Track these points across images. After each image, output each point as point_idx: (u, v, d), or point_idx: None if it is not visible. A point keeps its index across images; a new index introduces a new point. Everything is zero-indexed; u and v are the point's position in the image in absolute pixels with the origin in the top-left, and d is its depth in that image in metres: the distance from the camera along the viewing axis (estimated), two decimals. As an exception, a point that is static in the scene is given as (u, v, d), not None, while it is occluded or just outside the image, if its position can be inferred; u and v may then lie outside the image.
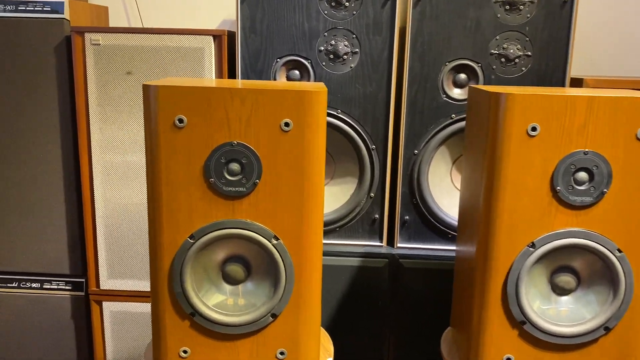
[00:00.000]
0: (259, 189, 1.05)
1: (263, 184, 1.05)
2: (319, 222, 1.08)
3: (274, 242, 1.06)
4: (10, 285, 1.70)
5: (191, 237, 1.05)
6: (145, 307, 1.71)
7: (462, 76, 1.56)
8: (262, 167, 1.05)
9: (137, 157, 1.60)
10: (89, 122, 1.59)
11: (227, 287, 1.10)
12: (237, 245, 1.09)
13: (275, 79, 1.56)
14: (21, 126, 1.61)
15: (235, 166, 1.06)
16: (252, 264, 1.10)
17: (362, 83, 1.56)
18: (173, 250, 1.06)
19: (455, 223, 1.62)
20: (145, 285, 1.69)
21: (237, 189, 1.06)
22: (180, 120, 1.03)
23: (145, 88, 1.04)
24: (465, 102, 1.56)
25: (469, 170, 1.22)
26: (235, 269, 1.09)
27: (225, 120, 1.03)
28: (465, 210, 1.25)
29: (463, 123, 1.57)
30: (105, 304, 1.71)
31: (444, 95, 1.57)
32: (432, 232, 1.65)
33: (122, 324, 1.72)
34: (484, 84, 1.55)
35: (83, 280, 1.70)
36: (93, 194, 1.64)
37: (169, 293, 1.07)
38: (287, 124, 1.04)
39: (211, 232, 1.06)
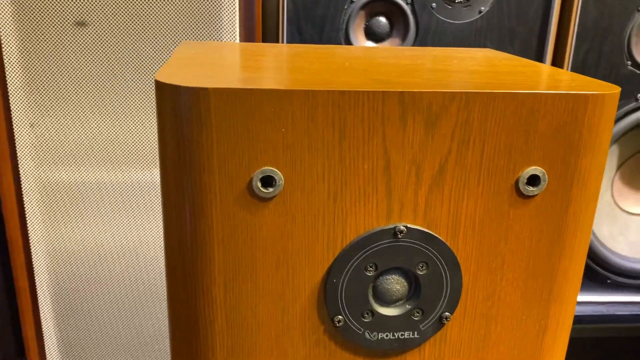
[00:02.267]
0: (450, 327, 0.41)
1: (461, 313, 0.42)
2: None
3: None
4: None
5: None
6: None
7: (661, 29, 0.92)
8: (460, 287, 0.41)
9: (104, 173, 0.91)
10: (8, 115, 0.87)
11: None
12: None
13: (347, 35, 0.88)
14: None
15: (396, 285, 0.42)
16: None
17: (497, 40, 0.90)
18: None
19: (627, 264, 1.03)
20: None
21: (400, 334, 0.42)
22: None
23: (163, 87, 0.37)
24: (663, 74, 0.94)
25: None
26: None
27: (384, 175, 0.38)
28: None
29: (656, 109, 0.95)
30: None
31: (630, 63, 0.94)
32: (584, 276, 1.05)
33: None
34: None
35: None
36: (26, 235, 0.95)
37: None
38: (533, 180, 0.40)
39: None
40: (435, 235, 0.40)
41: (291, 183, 0.37)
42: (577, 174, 0.40)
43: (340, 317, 0.41)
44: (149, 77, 0.86)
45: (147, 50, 0.85)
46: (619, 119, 0.95)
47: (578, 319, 1.03)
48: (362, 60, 0.49)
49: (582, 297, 1.06)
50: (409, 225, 0.39)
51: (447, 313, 0.42)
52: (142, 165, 0.90)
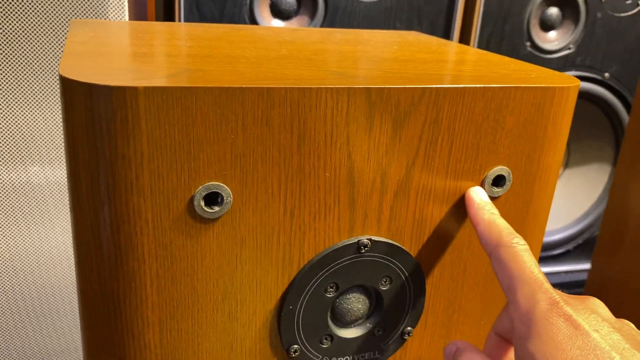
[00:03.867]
0: None
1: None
2: None
3: None
4: None
5: None
6: None
7: (554, 12, 0.95)
8: (423, 301, 0.38)
9: (50, 170, 0.76)
10: None
11: None
12: None
13: (252, 12, 0.81)
14: None
15: (357, 304, 0.37)
16: None
17: (406, 20, 0.88)
18: None
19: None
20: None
21: (360, 356, 0.38)
22: (214, 199, 0.30)
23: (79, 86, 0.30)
24: (558, 54, 0.97)
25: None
26: None
27: (336, 184, 0.32)
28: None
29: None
30: None
31: (529, 44, 0.96)
32: None
33: None
34: (585, 24, 0.97)
35: None
36: None
37: None
38: (498, 181, 0.37)
39: None
40: (400, 246, 0.36)
41: (241, 199, 0.31)
42: (539, 171, 0.38)
43: (296, 346, 0.35)
44: (40, 60, 0.73)
45: (32, 28, 0.71)
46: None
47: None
48: (298, 46, 0.43)
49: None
50: (373, 238, 0.35)
51: (409, 328, 0.38)
52: (40, 162, 0.77)
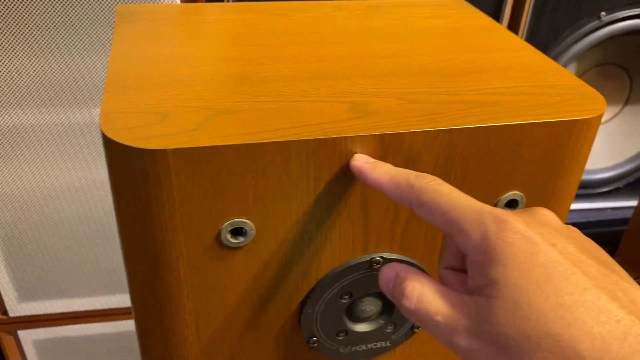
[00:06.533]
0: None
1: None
2: None
3: None
4: None
5: None
6: (90, 328, 1.08)
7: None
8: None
9: (42, 115, 0.83)
10: None
11: None
12: None
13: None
14: None
15: (370, 306, 0.41)
16: None
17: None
18: None
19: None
20: (82, 304, 1.04)
21: (372, 345, 0.43)
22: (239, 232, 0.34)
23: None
24: (628, -10, 0.90)
25: None
26: None
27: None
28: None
29: (618, 26, 0.92)
30: (22, 333, 1.07)
31: (597, -22, 0.89)
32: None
33: (57, 354, 1.11)
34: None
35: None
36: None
37: None
38: (511, 203, 0.38)
39: None
40: (412, 261, 0.39)
41: (263, 231, 0.34)
42: (555, 193, 0.39)
43: (315, 338, 0.41)
44: (78, 13, 0.75)
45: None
46: (581, 38, 0.93)
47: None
48: (331, 51, 0.43)
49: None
50: (385, 256, 0.38)
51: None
52: (80, 105, 0.83)
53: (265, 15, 0.49)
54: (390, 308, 0.42)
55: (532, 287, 0.24)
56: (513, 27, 0.89)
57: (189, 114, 0.33)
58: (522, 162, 0.37)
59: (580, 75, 1.03)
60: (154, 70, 0.38)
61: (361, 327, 0.42)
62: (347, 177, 0.34)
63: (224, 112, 0.33)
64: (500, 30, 0.49)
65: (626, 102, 1.08)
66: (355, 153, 0.33)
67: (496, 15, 0.88)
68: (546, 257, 0.25)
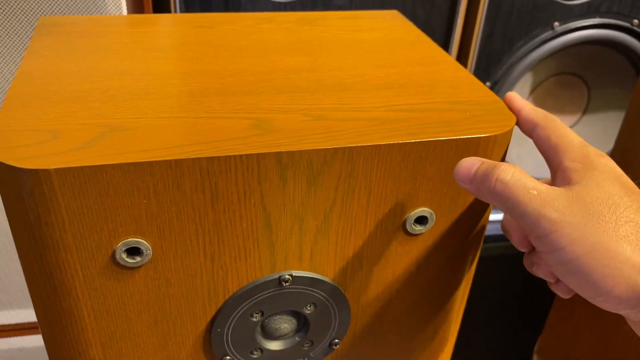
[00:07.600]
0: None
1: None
2: None
3: None
4: None
5: None
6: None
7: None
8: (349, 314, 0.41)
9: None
10: None
11: None
12: None
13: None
14: None
15: (283, 324, 0.41)
16: None
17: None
18: None
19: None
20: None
21: (286, 364, 0.42)
22: (134, 252, 0.33)
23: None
24: (581, 0, 0.91)
25: None
26: None
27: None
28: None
29: (571, 36, 0.93)
30: (-24, 346, 1.05)
31: (550, -11, 0.90)
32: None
33: (14, 366, 1.09)
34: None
35: None
36: None
37: None
38: (420, 220, 0.38)
39: None
40: (322, 278, 0.39)
41: (161, 250, 0.34)
42: (467, 210, 0.39)
43: (228, 357, 0.40)
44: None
45: None
46: (535, 48, 0.94)
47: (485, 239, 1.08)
48: (248, 65, 0.43)
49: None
50: (294, 273, 0.38)
51: (336, 340, 0.42)
52: None
53: (189, 28, 0.49)
54: (305, 326, 0.41)
55: (617, 188, 0.32)
56: (466, 37, 0.90)
57: (80, 132, 0.32)
58: (427, 179, 0.36)
59: (538, 84, 1.04)
60: (56, 86, 0.37)
61: (276, 345, 0.41)
62: (246, 195, 0.33)
63: (118, 129, 0.33)
64: (427, 44, 0.49)
65: (584, 111, 1.09)
66: (255, 171, 0.33)
67: (449, 26, 0.88)
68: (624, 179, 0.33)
